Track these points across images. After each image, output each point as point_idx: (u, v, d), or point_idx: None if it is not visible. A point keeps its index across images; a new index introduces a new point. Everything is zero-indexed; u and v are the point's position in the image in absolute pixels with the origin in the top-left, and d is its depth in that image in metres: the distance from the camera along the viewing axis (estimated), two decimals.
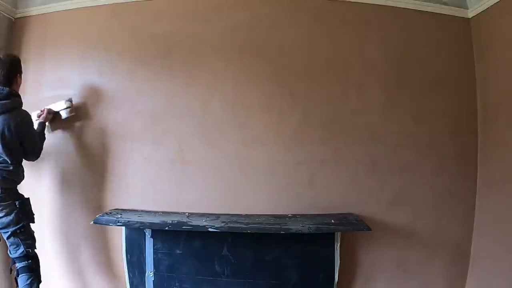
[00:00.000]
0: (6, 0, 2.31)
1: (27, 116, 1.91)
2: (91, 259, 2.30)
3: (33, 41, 2.39)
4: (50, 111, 2.17)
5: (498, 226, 1.98)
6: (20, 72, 1.95)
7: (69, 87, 2.32)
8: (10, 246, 1.85)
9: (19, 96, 1.91)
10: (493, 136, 2.08)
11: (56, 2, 2.37)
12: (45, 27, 2.39)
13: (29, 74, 2.35)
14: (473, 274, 2.14)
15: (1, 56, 1.93)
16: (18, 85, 1.94)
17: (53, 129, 2.28)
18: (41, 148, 2.06)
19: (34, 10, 2.40)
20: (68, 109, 2.21)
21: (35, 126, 2.04)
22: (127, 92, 2.29)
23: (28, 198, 1.95)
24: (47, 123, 2.17)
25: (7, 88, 1.83)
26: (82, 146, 2.29)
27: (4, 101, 1.81)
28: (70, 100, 2.23)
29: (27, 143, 1.90)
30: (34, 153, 2.00)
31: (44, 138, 2.12)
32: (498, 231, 1.97)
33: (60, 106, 2.21)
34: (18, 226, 1.82)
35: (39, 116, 2.14)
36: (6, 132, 1.78)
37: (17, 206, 1.83)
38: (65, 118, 2.22)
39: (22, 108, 1.91)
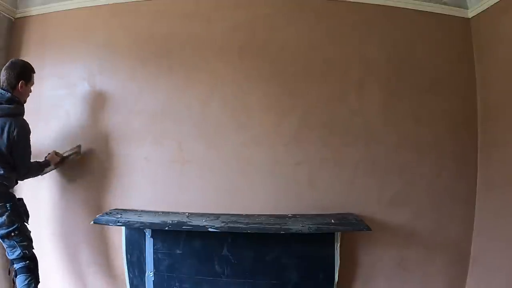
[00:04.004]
0: (6, 0, 2.31)
1: (27, 126, 1.88)
2: (91, 259, 2.30)
3: (33, 41, 2.40)
4: (58, 154, 2.13)
5: (498, 226, 1.98)
6: (25, 79, 1.88)
7: (69, 87, 2.33)
8: (6, 248, 1.85)
9: (22, 105, 1.88)
10: (493, 136, 2.07)
11: (56, 2, 2.37)
12: (45, 27, 2.39)
13: None
14: (473, 274, 2.14)
15: (11, 60, 1.92)
16: (21, 92, 1.88)
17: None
18: (29, 172, 1.95)
19: (34, 10, 2.41)
20: (74, 155, 2.22)
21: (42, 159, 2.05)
22: (127, 92, 2.29)
23: (21, 199, 1.92)
24: (52, 165, 2.10)
25: (9, 94, 1.82)
26: (81, 146, 2.29)
27: (5, 105, 1.80)
28: (78, 146, 2.25)
29: (16, 153, 1.83)
30: (20, 169, 1.88)
31: (38, 172, 2.02)
32: (498, 231, 1.97)
33: (68, 152, 2.21)
34: (11, 228, 1.79)
35: (46, 157, 2.10)
36: (2, 135, 1.77)
37: (8, 208, 1.79)
38: (70, 159, 2.22)
39: (23, 117, 1.89)
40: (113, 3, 2.32)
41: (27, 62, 1.95)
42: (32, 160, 1.96)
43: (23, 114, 1.90)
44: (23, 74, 1.89)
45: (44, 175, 2.12)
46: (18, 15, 2.42)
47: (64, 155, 2.18)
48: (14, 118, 1.82)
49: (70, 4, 2.36)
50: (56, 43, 2.37)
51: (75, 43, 2.35)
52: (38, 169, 2.02)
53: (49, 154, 2.11)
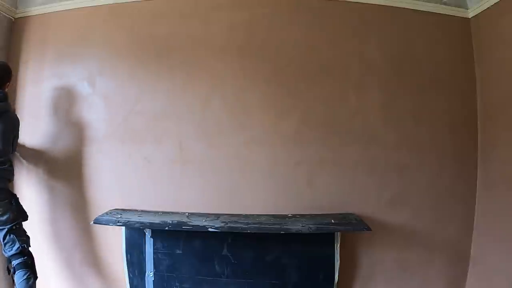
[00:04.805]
0: (6, 0, 2.31)
1: (17, 117, 2.06)
2: (91, 259, 2.30)
3: (33, 41, 2.40)
4: None
5: (498, 226, 1.98)
6: (10, 81, 2.04)
7: (69, 88, 2.33)
8: (5, 244, 1.88)
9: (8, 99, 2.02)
10: (493, 136, 2.07)
11: (56, 2, 2.37)
12: (45, 27, 2.39)
13: (29, 74, 2.36)
14: (473, 274, 2.14)
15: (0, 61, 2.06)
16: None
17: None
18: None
19: (34, 10, 2.41)
20: None
21: None
22: (127, 92, 2.29)
23: (18, 198, 1.99)
24: None
25: (2, 91, 1.93)
26: (81, 146, 2.29)
27: (2, 103, 1.91)
28: None
29: (15, 140, 2.05)
30: (15, 148, 2.11)
31: None
32: (498, 231, 1.97)
33: None
34: (14, 224, 1.87)
35: None
36: (3, 131, 1.89)
37: (13, 204, 1.89)
38: None
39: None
40: (112, 4, 2.32)
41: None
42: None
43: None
44: (10, 76, 2.04)
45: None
46: (18, 15, 2.42)
47: None
48: (10, 113, 1.96)
49: (70, 4, 2.36)
50: (56, 43, 2.37)
51: (75, 43, 2.35)
52: None
53: None
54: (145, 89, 2.27)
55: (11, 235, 1.86)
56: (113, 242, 2.24)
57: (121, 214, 2.09)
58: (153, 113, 2.26)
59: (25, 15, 2.42)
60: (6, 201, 1.86)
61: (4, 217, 1.84)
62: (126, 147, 2.26)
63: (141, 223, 1.98)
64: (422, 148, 2.17)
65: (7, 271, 1.96)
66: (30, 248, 1.94)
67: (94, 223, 2.01)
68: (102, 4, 2.33)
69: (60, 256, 2.32)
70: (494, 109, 2.06)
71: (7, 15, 2.36)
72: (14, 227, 1.87)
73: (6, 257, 1.92)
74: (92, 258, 2.30)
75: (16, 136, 2.05)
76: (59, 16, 2.38)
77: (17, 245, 1.87)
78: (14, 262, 1.87)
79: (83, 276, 2.30)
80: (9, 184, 2.00)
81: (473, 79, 2.19)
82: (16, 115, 2.07)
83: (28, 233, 1.97)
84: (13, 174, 2.01)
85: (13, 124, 2.00)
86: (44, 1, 2.38)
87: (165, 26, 2.28)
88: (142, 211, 2.20)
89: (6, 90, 1.99)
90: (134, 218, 2.03)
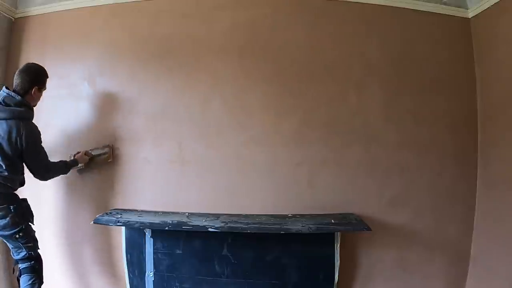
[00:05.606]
0: (6, 0, 2.31)
1: (36, 130, 1.86)
2: (92, 259, 2.30)
3: (33, 41, 2.40)
4: (87, 153, 2.18)
5: (498, 226, 1.98)
6: (39, 85, 1.87)
7: (69, 87, 2.33)
8: (12, 248, 1.86)
9: (31, 109, 1.87)
10: (493, 136, 2.07)
11: (56, 2, 2.37)
12: (45, 27, 2.39)
13: None
14: (473, 274, 2.14)
15: (27, 64, 1.91)
16: (33, 97, 1.86)
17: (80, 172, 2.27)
18: (50, 171, 1.97)
19: (34, 10, 2.41)
20: (105, 155, 2.23)
21: (68, 159, 2.11)
22: (127, 92, 2.29)
23: (25, 199, 1.92)
24: (80, 164, 2.15)
25: (20, 97, 1.79)
26: (81, 146, 2.29)
27: (14, 108, 1.77)
28: (108, 146, 2.24)
29: (29, 158, 1.83)
30: (37, 170, 1.90)
31: (63, 171, 2.05)
32: (498, 231, 1.97)
33: (98, 151, 2.23)
34: (16, 230, 1.80)
35: (74, 156, 2.15)
36: (6, 138, 1.74)
37: (11, 210, 1.79)
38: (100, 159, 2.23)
39: (32, 121, 1.87)
40: (113, 3, 2.32)
41: (43, 68, 1.92)
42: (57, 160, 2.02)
43: (32, 118, 1.88)
44: (38, 80, 1.87)
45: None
46: (18, 15, 2.42)
47: (93, 153, 2.21)
48: (22, 122, 1.79)
49: (70, 4, 2.36)
50: (56, 43, 2.37)
51: (75, 43, 2.35)
52: (62, 168, 2.05)
53: (78, 153, 2.16)
54: (145, 89, 2.27)
55: (16, 242, 1.82)
56: (114, 242, 2.25)
57: (121, 214, 2.09)
58: (153, 113, 2.26)
59: (25, 15, 2.42)
60: (4, 206, 1.78)
61: (3, 222, 1.77)
62: (126, 147, 2.26)
63: (141, 223, 1.98)
64: (422, 148, 2.17)
65: (12, 271, 1.92)
66: (38, 251, 1.92)
67: (94, 223, 2.01)
68: (102, 4, 2.33)
69: (63, 255, 2.32)
70: (494, 109, 2.06)
71: (7, 15, 2.36)
72: (17, 235, 1.80)
73: (14, 258, 1.90)
74: (95, 257, 2.29)
75: (24, 151, 1.79)
76: (59, 16, 2.38)
77: (23, 251, 1.83)
78: (21, 266, 1.85)
79: (85, 275, 2.30)
80: (11, 190, 1.87)
81: (473, 79, 2.20)
82: (34, 126, 1.86)
83: (37, 228, 1.94)
84: (15, 182, 1.87)
85: (28, 134, 1.78)
86: (44, 1, 2.38)
87: (166, 26, 2.28)
88: (142, 211, 2.20)
89: (32, 97, 1.83)
90: (134, 218, 2.03)
